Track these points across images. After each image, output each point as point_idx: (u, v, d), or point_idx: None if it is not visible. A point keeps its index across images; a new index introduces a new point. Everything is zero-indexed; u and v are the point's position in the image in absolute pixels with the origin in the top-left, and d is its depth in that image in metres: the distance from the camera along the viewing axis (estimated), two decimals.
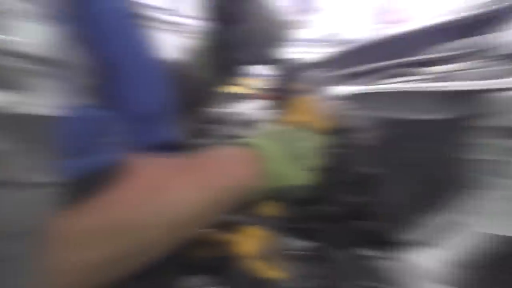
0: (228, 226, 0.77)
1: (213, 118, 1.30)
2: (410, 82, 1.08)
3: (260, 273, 0.72)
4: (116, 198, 0.52)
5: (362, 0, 11.21)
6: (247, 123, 1.31)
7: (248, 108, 1.57)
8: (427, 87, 0.94)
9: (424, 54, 1.35)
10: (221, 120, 1.36)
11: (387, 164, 0.96)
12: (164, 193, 0.58)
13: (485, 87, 0.86)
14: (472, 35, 1.25)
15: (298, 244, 1.02)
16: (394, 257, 0.88)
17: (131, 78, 0.69)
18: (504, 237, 0.80)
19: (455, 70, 1.08)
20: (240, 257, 0.72)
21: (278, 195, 0.77)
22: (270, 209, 0.79)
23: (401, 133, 0.96)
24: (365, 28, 10.89)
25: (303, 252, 0.97)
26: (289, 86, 0.87)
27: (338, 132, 0.94)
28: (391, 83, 1.12)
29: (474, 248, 0.82)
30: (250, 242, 0.73)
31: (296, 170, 0.78)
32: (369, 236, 0.97)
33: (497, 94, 0.83)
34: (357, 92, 0.98)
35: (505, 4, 1.31)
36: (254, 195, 0.75)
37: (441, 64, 1.19)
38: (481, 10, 1.38)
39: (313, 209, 1.00)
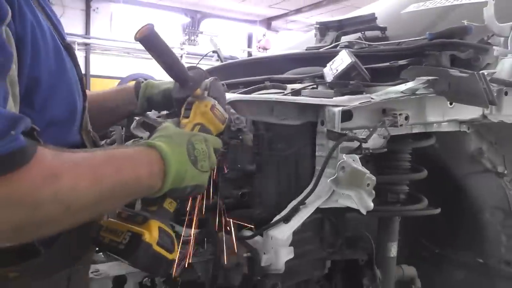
0: (130, 217, 0.73)
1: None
2: (276, 94, 1.13)
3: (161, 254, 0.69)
4: (22, 177, 0.52)
5: (238, 28, 11.42)
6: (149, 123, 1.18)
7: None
8: (287, 99, 1.00)
9: (284, 74, 1.45)
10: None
11: (261, 161, 0.98)
12: (59, 180, 0.55)
13: (320, 103, 0.97)
14: (312, 65, 1.38)
15: (189, 231, 0.97)
16: (263, 233, 0.93)
17: (49, 90, 0.64)
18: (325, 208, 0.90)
19: (302, 88, 1.16)
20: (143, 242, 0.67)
21: (176, 193, 0.73)
22: (168, 205, 0.75)
23: (271, 135, 0.99)
24: (240, 50, 11.14)
25: (192, 237, 0.94)
26: (190, 91, 0.83)
27: (225, 134, 0.91)
28: (262, 94, 1.17)
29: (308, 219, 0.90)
30: (151, 232, 0.68)
31: (194, 171, 0.72)
32: (247, 220, 0.98)
33: (327, 108, 0.94)
34: (235, 99, 0.99)
35: (331, 48, 1.49)
36: (154, 193, 0.70)
37: (294, 83, 1.28)
38: (316, 50, 1.55)
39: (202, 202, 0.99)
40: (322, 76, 1.26)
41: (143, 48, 0.78)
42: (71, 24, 8.96)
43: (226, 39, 10.30)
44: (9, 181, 0.51)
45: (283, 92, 1.20)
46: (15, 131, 0.51)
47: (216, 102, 0.84)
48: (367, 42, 1.52)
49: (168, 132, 0.75)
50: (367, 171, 0.89)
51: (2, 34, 0.54)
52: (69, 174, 0.56)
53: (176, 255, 0.73)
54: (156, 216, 0.72)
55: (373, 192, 0.89)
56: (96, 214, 0.66)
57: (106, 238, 0.71)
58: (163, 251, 0.69)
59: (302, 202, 0.92)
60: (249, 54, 11.07)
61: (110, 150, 0.71)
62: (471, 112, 1.17)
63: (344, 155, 0.91)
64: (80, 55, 9.36)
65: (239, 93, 1.20)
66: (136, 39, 0.77)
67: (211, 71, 1.67)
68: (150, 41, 0.78)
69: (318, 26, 1.72)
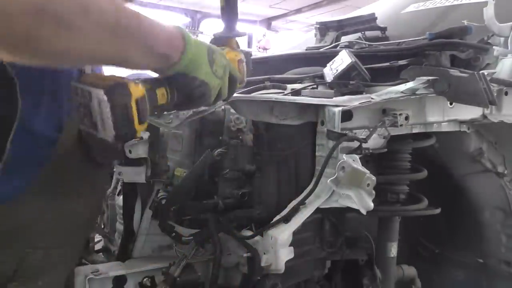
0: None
1: None
2: (276, 94, 1.13)
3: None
4: None
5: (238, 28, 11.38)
6: None
7: None
8: (287, 99, 1.00)
9: (284, 74, 1.45)
10: None
11: (261, 161, 0.98)
12: None
13: (320, 103, 0.97)
14: (312, 65, 1.38)
15: (189, 231, 0.99)
16: (262, 233, 0.93)
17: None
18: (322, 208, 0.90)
19: (302, 88, 1.16)
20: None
21: (184, 79, 0.71)
22: (160, 94, 0.71)
23: (271, 135, 0.99)
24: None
25: (192, 237, 0.96)
26: (229, 35, 0.90)
27: (225, 134, 0.93)
28: (262, 94, 1.17)
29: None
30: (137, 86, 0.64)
31: (208, 69, 0.73)
32: (247, 220, 0.98)
33: (326, 108, 0.94)
34: (235, 99, 0.99)
35: (331, 48, 1.49)
36: (167, 66, 0.68)
37: (294, 83, 1.28)
38: (316, 50, 1.55)
39: (202, 202, 0.99)
40: (322, 76, 1.26)
41: None
42: None
43: None
44: None
45: (283, 92, 1.20)
46: None
47: (244, 61, 0.88)
48: (367, 42, 1.52)
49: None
50: (367, 171, 0.89)
51: None
52: None
53: (143, 128, 0.66)
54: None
55: (373, 192, 0.89)
56: (107, 49, 0.60)
57: (91, 79, 0.65)
58: (135, 111, 0.63)
59: (302, 202, 0.91)
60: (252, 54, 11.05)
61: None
62: (471, 112, 1.17)
63: (344, 155, 0.91)
64: None
65: (239, 93, 1.20)
66: None
67: None
68: None
69: (318, 26, 1.72)
